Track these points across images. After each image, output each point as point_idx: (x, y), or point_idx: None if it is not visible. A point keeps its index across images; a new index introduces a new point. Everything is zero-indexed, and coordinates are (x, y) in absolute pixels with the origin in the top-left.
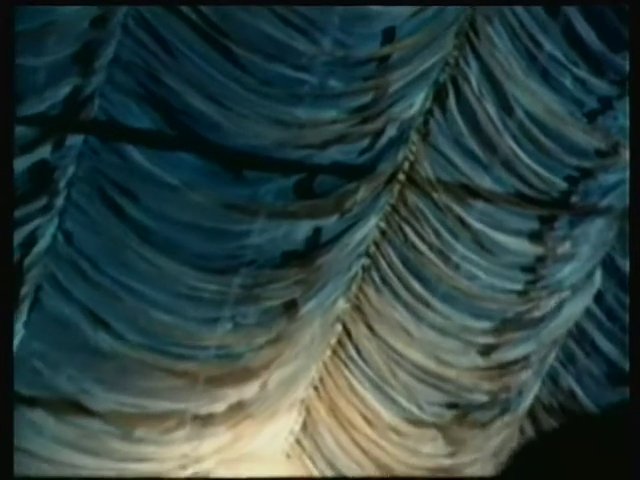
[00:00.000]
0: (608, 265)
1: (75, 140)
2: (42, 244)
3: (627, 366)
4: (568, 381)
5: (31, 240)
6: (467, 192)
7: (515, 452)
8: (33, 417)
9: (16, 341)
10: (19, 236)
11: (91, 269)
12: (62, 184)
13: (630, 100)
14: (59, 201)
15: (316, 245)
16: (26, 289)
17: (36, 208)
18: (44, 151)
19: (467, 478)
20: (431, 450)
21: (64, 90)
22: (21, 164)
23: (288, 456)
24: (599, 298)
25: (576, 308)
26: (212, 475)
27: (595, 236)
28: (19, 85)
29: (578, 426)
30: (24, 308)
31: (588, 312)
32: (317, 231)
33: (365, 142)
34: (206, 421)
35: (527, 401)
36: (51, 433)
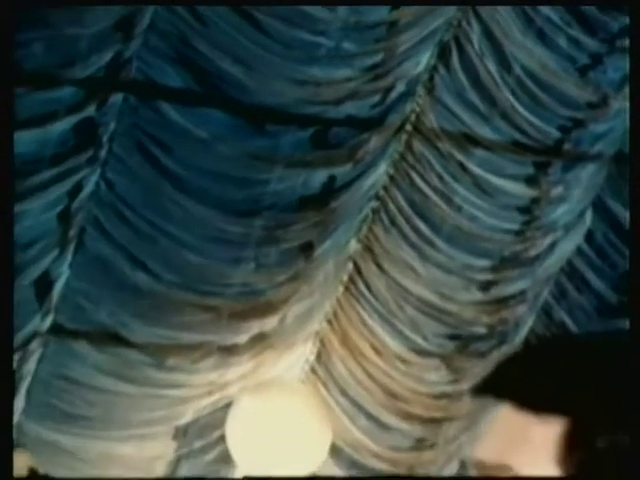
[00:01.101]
0: (598, 206)
1: (116, 99)
2: (87, 192)
3: (615, 300)
4: (560, 314)
5: (77, 188)
6: (468, 141)
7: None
8: (77, 348)
9: (61, 281)
10: (68, 185)
11: (130, 214)
12: (105, 138)
13: (630, 105)
14: (102, 153)
15: (331, 191)
16: (72, 233)
17: (83, 160)
18: (90, 110)
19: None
20: (435, 378)
21: (107, 56)
22: (70, 122)
23: (303, 383)
24: (589, 237)
25: (568, 246)
26: (235, 400)
27: (586, 180)
28: (67, 53)
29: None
30: (69, 250)
31: (579, 250)
32: (332, 178)
33: (376, 97)
34: (230, 351)
35: (523, 333)
36: (94, 363)
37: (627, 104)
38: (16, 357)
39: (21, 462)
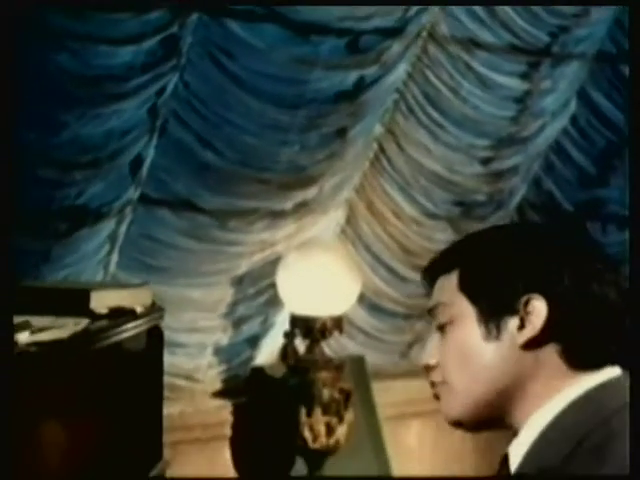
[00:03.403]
0: (582, 95)
1: (193, 17)
2: (169, 91)
3: (594, 171)
4: (548, 184)
5: (162, 89)
6: (473, 44)
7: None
8: (159, 214)
9: (149, 160)
10: (155, 87)
11: (202, 107)
12: (184, 50)
13: (629, 110)
14: (182, 61)
15: (361, 87)
16: (158, 123)
17: (167, 67)
18: (173, 28)
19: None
20: (442, 237)
21: None
22: (157, 39)
23: (336, 241)
24: (574, 120)
25: (555, 128)
26: (283, 255)
27: (571, 74)
28: None
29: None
30: (155, 137)
31: (565, 131)
32: (362, 77)
33: (399, 13)
34: (278, 216)
35: (516, 200)
36: (172, 225)
37: (605, 14)
38: (113, 222)
39: (145, 295)
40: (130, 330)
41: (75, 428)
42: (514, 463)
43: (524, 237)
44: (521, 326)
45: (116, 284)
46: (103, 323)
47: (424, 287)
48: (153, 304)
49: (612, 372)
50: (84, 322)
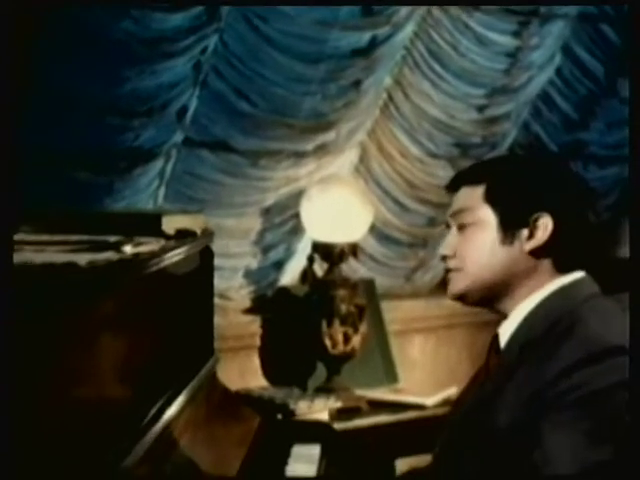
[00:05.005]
0: (566, 50)
1: None
2: (210, 50)
3: (577, 117)
4: (536, 128)
5: (205, 48)
6: (472, 7)
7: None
8: (200, 154)
9: (192, 109)
10: (199, 47)
11: (238, 63)
12: (224, 15)
13: (630, 103)
14: (222, 24)
15: (374, 45)
16: (201, 77)
17: (210, 30)
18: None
19: None
20: (442, 174)
21: None
22: (201, 7)
23: (351, 177)
24: (559, 71)
25: (542, 79)
26: (305, 189)
27: (556, 32)
28: None
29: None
30: (198, 88)
31: (551, 81)
32: (374, 36)
33: None
34: (301, 155)
35: (508, 142)
36: (210, 163)
37: None
38: (162, 161)
39: (201, 220)
40: (193, 248)
41: (150, 326)
42: (503, 340)
43: (540, 165)
44: (529, 236)
45: (179, 210)
46: (173, 242)
47: (447, 194)
48: (206, 228)
49: (579, 274)
50: (162, 241)
